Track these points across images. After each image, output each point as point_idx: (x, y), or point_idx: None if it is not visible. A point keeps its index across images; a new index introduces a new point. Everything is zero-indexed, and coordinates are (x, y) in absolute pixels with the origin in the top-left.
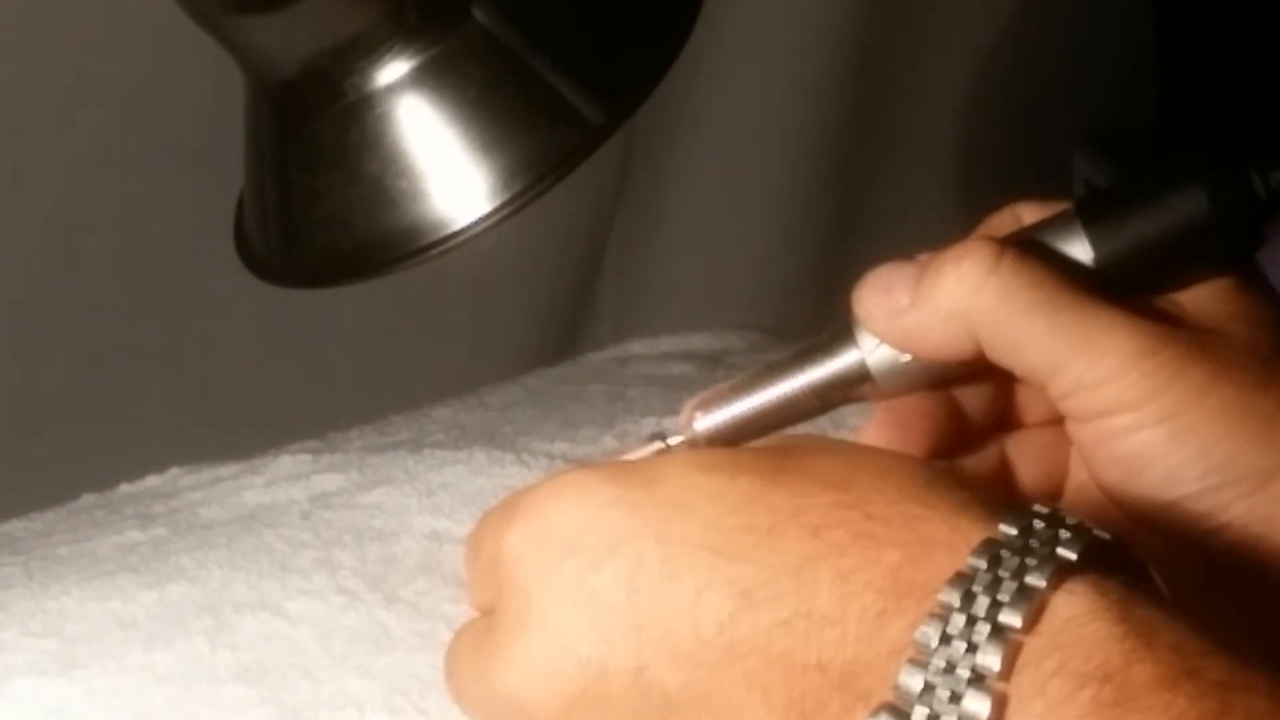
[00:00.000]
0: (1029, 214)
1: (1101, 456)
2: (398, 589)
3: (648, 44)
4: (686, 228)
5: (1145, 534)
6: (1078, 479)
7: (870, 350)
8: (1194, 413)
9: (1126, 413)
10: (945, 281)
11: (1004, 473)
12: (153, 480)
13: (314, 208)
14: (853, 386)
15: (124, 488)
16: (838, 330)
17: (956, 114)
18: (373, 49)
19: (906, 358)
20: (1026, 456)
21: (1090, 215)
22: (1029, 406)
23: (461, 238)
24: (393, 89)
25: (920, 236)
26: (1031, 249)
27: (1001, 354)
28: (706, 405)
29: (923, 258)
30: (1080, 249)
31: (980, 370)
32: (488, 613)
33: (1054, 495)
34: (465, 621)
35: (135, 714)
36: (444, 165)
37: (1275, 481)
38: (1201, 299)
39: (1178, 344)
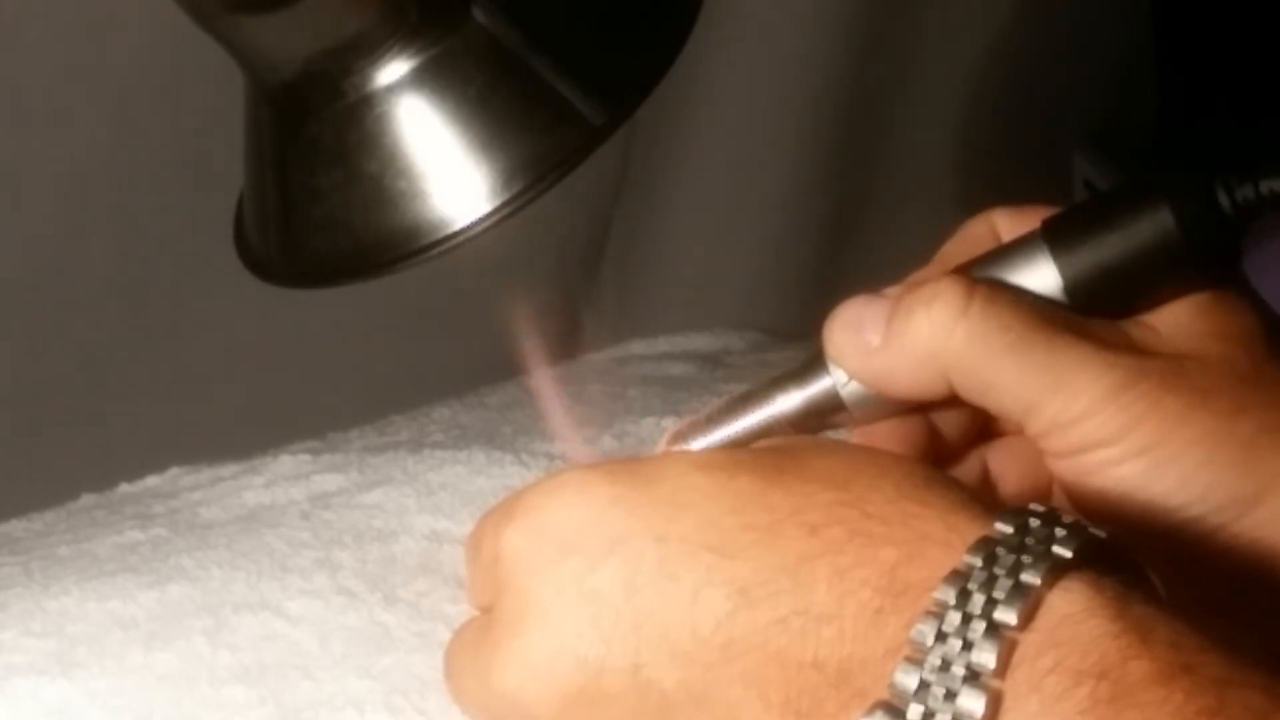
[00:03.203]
0: (1003, 220)
1: (1082, 489)
2: (398, 589)
3: (648, 44)
4: (686, 227)
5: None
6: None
7: (843, 382)
8: (1172, 443)
9: (1104, 448)
10: (916, 324)
11: (987, 484)
12: (153, 480)
13: (314, 208)
14: (828, 416)
15: (124, 488)
16: (810, 360)
17: (957, 114)
18: (373, 49)
19: None
20: (1008, 465)
21: (1056, 239)
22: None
23: (461, 238)
24: (393, 89)
25: (920, 237)
26: (1001, 286)
27: (975, 395)
28: (683, 437)
29: (892, 292)
30: (1048, 273)
31: (957, 399)
32: (487, 611)
33: (1040, 501)
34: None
35: (135, 714)
36: (444, 165)
37: (1259, 506)
38: (1176, 319)
39: (1151, 375)
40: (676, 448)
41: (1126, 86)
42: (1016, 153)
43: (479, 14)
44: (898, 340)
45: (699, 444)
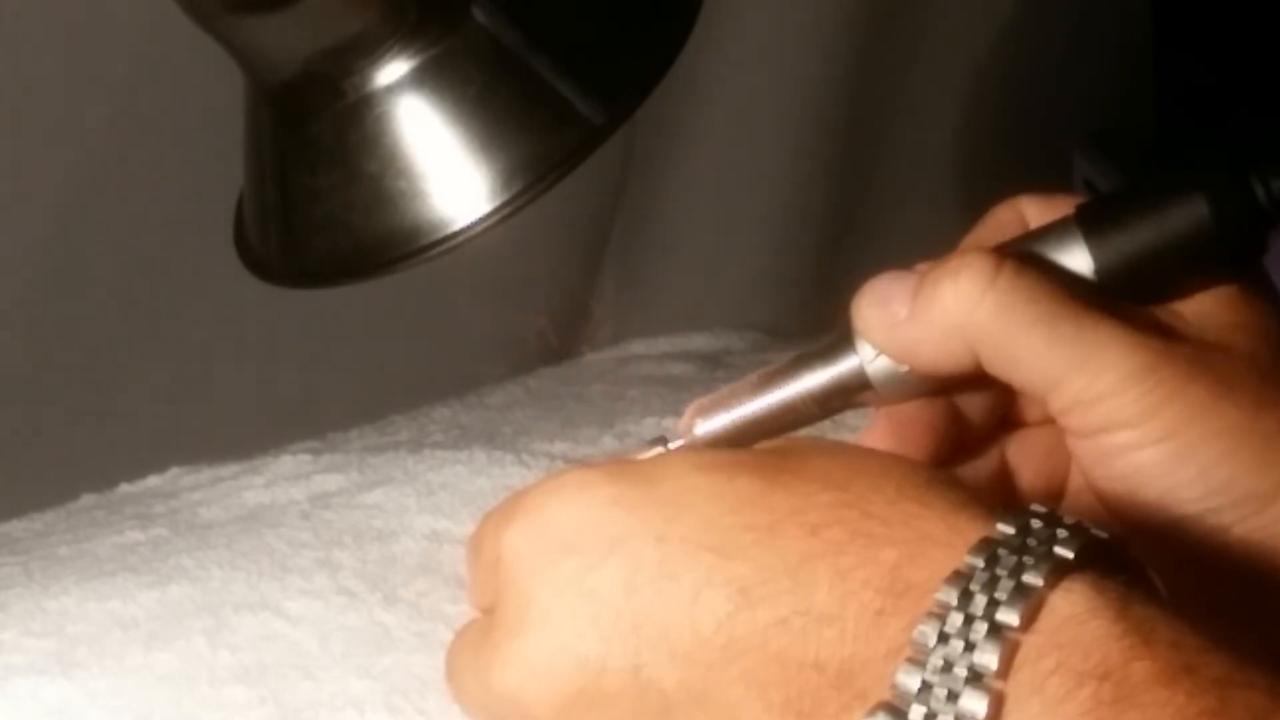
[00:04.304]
0: (1031, 207)
1: (1101, 472)
2: (398, 589)
3: (648, 44)
4: (686, 227)
5: (1144, 541)
6: (1079, 481)
7: (869, 359)
8: (1194, 432)
9: (1125, 430)
10: (943, 295)
11: (1005, 476)
12: (153, 480)
13: (314, 208)
14: (852, 394)
15: (124, 488)
16: (837, 338)
17: (956, 114)
18: (373, 49)
19: (906, 367)
20: (1028, 458)
21: (1090, 223)
22: (1030, 406)
23: (461, 238)
24: (393, 89)
25: (920, 237)
26: (1030, 260)
27: (1000, 368)
28: (706, 411)
29: (921, 268)
30: (1080, 257)
31: (982, 377)
32: (488, 612)
33: (1055, 497)
34: (465, 621)
35: (135, 714)
36: (444, 165)
37: (1271, 506)
38: (1203, 309)
39: (1178, 360)
40: (700, 421)
41: (1126, 86)
42: (1016, 153)
43: (479, 14)
44: (925, 312)
45: (722, 419)
